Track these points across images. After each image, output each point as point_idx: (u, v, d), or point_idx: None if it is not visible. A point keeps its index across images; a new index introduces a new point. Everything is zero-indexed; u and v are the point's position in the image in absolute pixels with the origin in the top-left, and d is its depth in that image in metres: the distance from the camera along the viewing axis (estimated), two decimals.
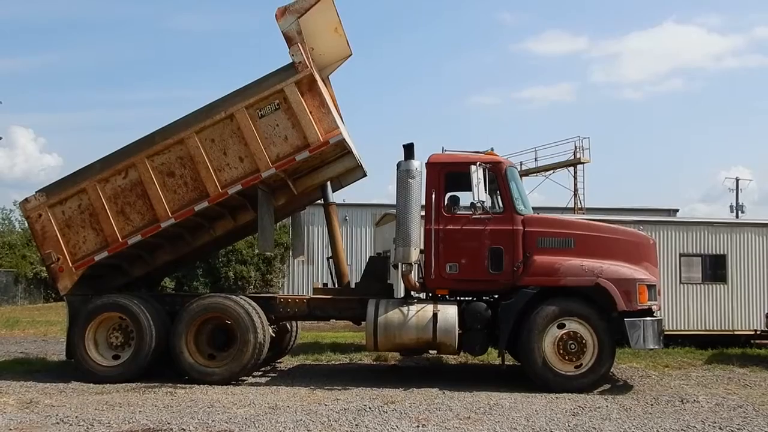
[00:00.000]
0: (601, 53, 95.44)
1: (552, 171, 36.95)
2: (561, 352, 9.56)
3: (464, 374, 11.56)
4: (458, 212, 10.11)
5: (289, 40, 9.97)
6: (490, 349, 10.36)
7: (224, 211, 10.59)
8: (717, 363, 12.42)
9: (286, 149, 9.93)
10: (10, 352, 13.96)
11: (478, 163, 9.73)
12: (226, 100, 10.12)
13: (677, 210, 34.00)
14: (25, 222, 40.43)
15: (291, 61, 9.91)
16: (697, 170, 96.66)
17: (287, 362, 12.47)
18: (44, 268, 32.02)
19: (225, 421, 7.49)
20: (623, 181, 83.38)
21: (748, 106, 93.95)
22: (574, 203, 35.80)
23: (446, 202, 10.27)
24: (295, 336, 12.53)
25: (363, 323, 10.26)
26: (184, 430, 7.10)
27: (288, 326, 12.07)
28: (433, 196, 10.05)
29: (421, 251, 10.06)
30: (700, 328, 15.80)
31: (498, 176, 10.09)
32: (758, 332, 15.78)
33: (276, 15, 10.04)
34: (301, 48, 9.86)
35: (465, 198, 10.24)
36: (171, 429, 7.13)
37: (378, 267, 11.18)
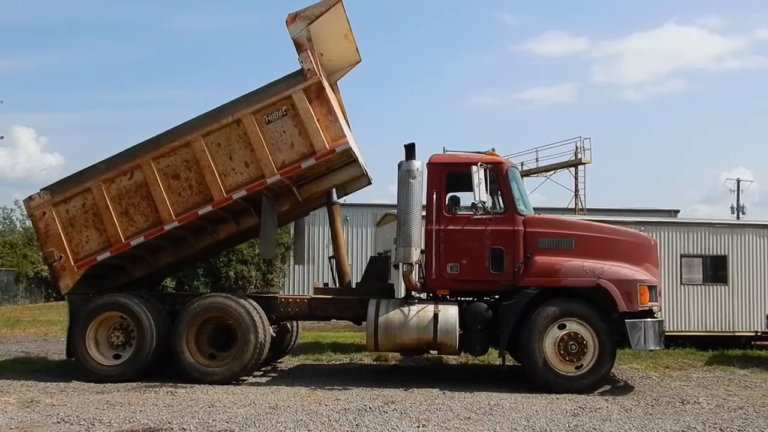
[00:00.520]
0: (602, 54, 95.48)
1: (553, 171, 36.96)
2: (562, 352, 9.56)
3: (465, 374, 11.57)
4: (459, 212, 10.12)
5: (299, 47, 9.94)
6: (490, 349, 10.36)
7: (228, 215, 10.56)
8: (717, 364, 12.41)
9: (292, 156, 9.91)
10: (11, 351, 13.96)
11: (479, 164, 9.73)
12: (234, 104, 10.09)
13: (678, 211, 34.06)
14: (27, 221, 40.44)
15: (300, 67, 9.85)
16: (698, 171, 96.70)
17: (288, 362, 12.47)
18: (45, 268, 32.08)
19: (225, 420, 7.49)
20: (624, 182, 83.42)
21: (749, 107, 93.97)
22: (575, 204, 35.81)
23: (447, 202, 10.28)
24: (296, 336, 12.54)
25: (363, 323, 10.26)
26: (185, 429, 7.11)
27: (289, 326, 12.06)
28: (434, 196, 10.05)
29: (422, 251, 10.06)
30: (700, 329, 15.79)
31: (499, 177, 10.09)
32: (759, 333, 15.76)
33: (286, 21, 10.01)
34: (310, 55, 9.83)
35: (466, 198, 10.25)
36: (172, 428, 7.14)
37: (379, 267, 11.18)
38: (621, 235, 10.34)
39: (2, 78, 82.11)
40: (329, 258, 11.61)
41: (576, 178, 36.16)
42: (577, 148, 35.53)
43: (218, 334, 10.24)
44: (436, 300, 10.09)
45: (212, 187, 10.02)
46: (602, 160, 79.18)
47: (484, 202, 9.75)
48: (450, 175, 10.20)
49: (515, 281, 9.82)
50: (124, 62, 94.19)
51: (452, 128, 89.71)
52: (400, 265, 9.95)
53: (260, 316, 10.04)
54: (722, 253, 16.02)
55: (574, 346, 9.55)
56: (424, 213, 10.16)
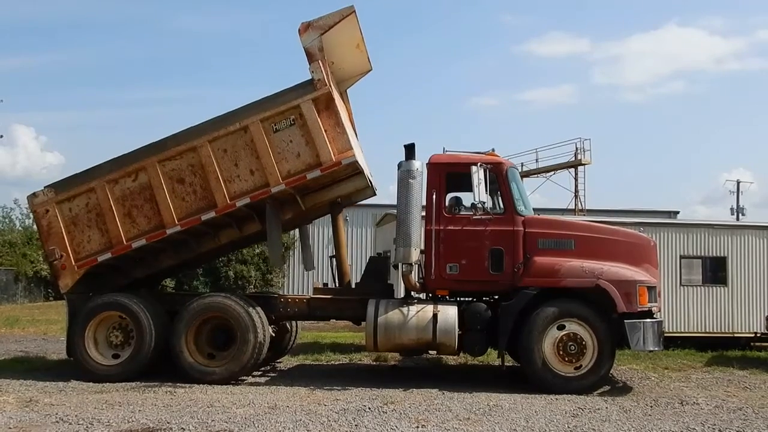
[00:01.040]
0: (603, 55, 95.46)
1: (553, 172, 36.98)
2: (561, 353, 9.56)
3: (464, 375, 11.56)
4: (459, 213, 10.11)
5: (310, 57, 9.92)
6: (489, 349, 10.36)
7: (231, 221, 10.53)
8: (717, 365, 12.41)
9: (298, 166, 9.89)
10: (10, 350, 13.96)
11: (479, 164, 9.73)
12: (242, 111, 10.07)
13: (678, 212, 34.12)
14: (26, 220, 40.24)
15: (310, 77, 9.82)
16: (698, 172, 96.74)
17: (287, 362, 12.47)
18: (45, 267, 32.04)
19: (224, 420, 7.49)
20: (624, 183, 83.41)
21: (749, 109, 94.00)
22: (575, 204, 35.84)
23: (449, 202, 10.28)
24: (295, 336, 12.54)
25: (363, 323, 10.26)
26: (184, 429, 7.11)
27: (288, 326, 12.06)
28: (434, 196, 10.05)
29: (422, 252, 10.06)
30: (700, 330, 15.79)
31: (499, 177, 10.09)
32: (758, 335, 15.76)
33: (299, 30, 10.01)
34: (321, 65, 9.80)
35: (466, 199, 10.25)
36: (170, 428, 7.14)
37: (378, 267, 11.18)
38: (621, 235, 10.34)
39: (2, 77, 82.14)
40: (330, 257, 11.60)
41: (576, 179, 36.23)
42: (577, 148, 35.60)
43: (217, 334, 10.23)
44: (436, 300, 10.08)
45: (216, 193, 10.00)
46: (602, 161, 79.26)
47: (484, 203, 9.74)
48: (450, 175, 10.20)
49: (515, 282, 9.81)
50: (125, 61, 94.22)
51: (453, 129, 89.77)
52: (400, 265, 9.95)
53: (259, 316, 10.03)
54: (722, 255, 16.02)
55: (573, 347, 9.55)
56: (423, 213, 10.15)
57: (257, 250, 26.52)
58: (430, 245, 10.00)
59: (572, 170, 36.27)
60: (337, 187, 10.70)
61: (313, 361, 12.69)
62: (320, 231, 26.94)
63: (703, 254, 16.03)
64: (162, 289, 14.49)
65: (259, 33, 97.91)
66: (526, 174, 34.80)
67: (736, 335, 15.79)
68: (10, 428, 7.14)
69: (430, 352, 10.59)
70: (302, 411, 8.01)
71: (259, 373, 11.13)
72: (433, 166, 10.22)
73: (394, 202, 10.28)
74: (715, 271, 16.07)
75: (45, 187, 10.63)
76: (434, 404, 8.52)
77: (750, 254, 16.06)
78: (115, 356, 10.27)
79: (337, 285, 11.29)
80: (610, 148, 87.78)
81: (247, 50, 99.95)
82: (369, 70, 11.48)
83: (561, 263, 9.76)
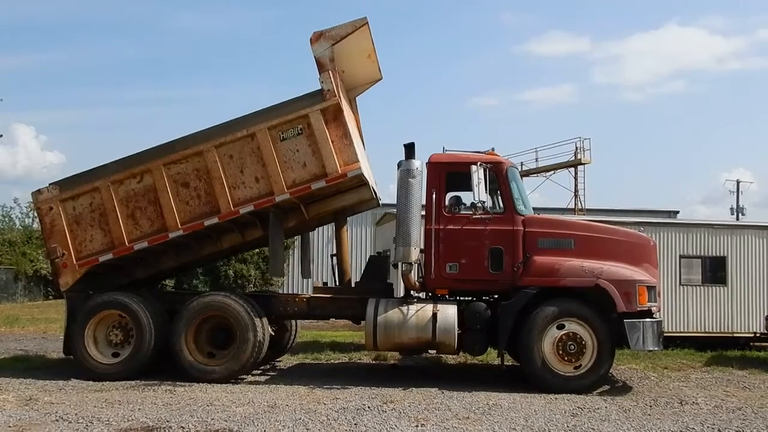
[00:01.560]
0: (604, 55, 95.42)
1: (553, 172, 36.95)
2: (560, 352, 9.56)
3: (463, 374, 11.56)
4: (459, 212, 10.11)
5: (321, 66, 9.92)
6: (489, 349, 10.36)
7: (233, 227, 10.52)
8: (716, 365, 12.42)
9: (304, 176, 9.87)
10: (9, 349, 13.97)
11: (478, 163, 9.73)
12: (250, 118, 10.05)
13: (677, 212, 34.07)
14: (26, 219, 40.12)
15: (320, 87, 9.80)
16: (698, 172, 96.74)
17: (286, 361, 12.47)
18: (44, 266, 32.02)
19: (224, 419, 7.49)
20: (624, 183, 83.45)
21: (750, 109, 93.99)
22: (575, 204, 35.82)
23: (449, 202, 10.28)
24: (295, 335, 12.54)
25: (362, 322, 10.26)
26: (183, 428, 7.11)
27: (288, 325, 12.07)
28: (434, 195, 10.05)
29: (421, 251, 10.06)
30: (699, 330, 15.81)
31: (499, 176, 10.09)
32: (758, 335, 15.77)
33: (311, 39, 10.00)
34: (331, 76, 9.78)
35: (465, 198, 10.24)
36: (170, 427, 7.14)
37: (378, 266, 11.18)
38: (620, 235, 10.34)
39: (2, 76, 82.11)
40: (331, 256, 11.59)
41: (576, 179, 36.19)
42: (576, 148, 35.54)
43: (217, 332, 10.24)
44: (435, 299, 10.08)
45: (220, 199, 9.99)
46: (602, 161, 79.27)
47: (484, 202, 9.74)
48: (449, 174, 10.19)
49: (514, 281, 9.82)
50: (125, 60, 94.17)
51: (452, 128, 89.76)
52: (400, 264, 9.95)
53: (259, 315, 10.03)
54: (721, 254, 16.04)
55: (572, 346, 9.55)
56: (423, 212, 10.16)
57: (257, 249, 26.50)
58: (429, 244, 10.00)
59: (572, 170, 36.24)
60: (342, 198, 10.66)
61: (312, 360, 12.69)
62: (321, 230, 26.92)
63: (702, 254, 16.05)
64: (162, 287, 14.51)
65: (259, 32, 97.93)
66: (525, 173, 34.77)
67: (735, 335, 15.81)
68: (9, 427, 7.14)
69: (430, 351, 10.59)
70: (302, 410, 8.01)
71: (259, 371, 11.14)
72: (433, 166, 10.22)
73: (394, 202, 10.29)
74: (715, 271, 16.09)
75: (50, 184, 10.64)
76: (433, 403, 8.52)
77: (750, 254, 16.08)
78: (115, 355, 10.27)
79: (337, 284, 11.30)
80: (610, 148, 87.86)
81: (247, 49, 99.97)
82: (379, 79, 11.47)
83: (561, 263, 9.76)
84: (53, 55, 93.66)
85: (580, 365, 9.58)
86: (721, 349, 14.33)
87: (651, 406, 8.69)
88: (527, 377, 9.76)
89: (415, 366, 12.21)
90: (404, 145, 10.08)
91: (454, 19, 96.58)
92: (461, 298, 10.24)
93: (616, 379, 10.78)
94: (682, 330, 15.67)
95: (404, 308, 9.86)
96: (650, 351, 11.08)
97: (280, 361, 12.39)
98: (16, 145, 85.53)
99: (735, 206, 52.94)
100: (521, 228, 9.92)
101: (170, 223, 10.10)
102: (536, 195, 41.06)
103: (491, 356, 11.63)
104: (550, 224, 10.27)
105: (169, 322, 10.15)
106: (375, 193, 11.18)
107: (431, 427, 7.30)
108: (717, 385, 10.54)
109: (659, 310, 10.22)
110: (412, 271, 10.00)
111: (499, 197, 10.21)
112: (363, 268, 11.40)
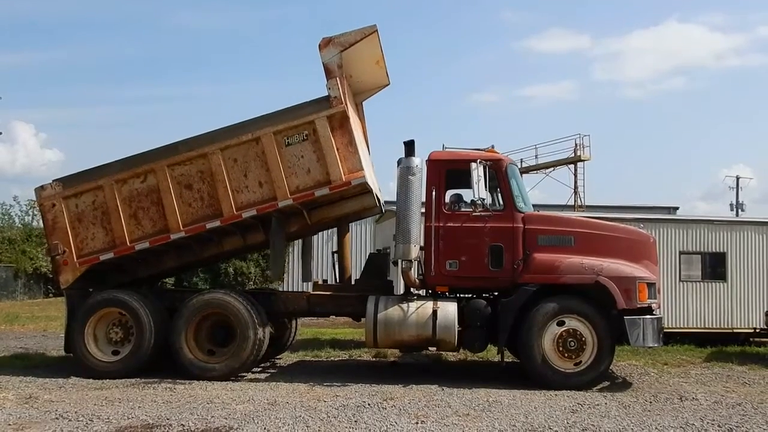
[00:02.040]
0: (604, 51, 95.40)
1: (552, 168, 36.95)
2: (560, 349, 9.56)
3: (463, 371, 11.57)
4: (458, 209, 10.10)
5: (329, 73, 9.89)
6: (489, 346, 10.36)
7: (235, 230, 10.51)
8: (716, 361, 12.43)
9: (307, 182, 9.85)
10: (9, 347, 13.97)
11: (478, 161, 9.72)
12: (255, 122, 10.03)
13: (677, 208, 34.12)
14: (25, 217, 40.06)
15: (327, 93, 9.78)
16: (697, 168, 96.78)
17: (287, 358, 12.47)
18: (44, 264, 31.97)
19: (224, 416, 7.50)
20: (624, 179, 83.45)
21: (749, 105, 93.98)
22: (575, 201, 35.81)
23: (449, 199, 10.27)
24: (295, 332, 12.55)
25: (363, 320, 10.26)
26: (184, 425, 7.11)
27: (288, 322, 12.06)
28: (434, 193, 10.04)
29: (421, 248, 10.05)
30: (699, 326, 15.81)
31: (498, 174, 10.08)
32: (757, 330, 15.78)
33: (319, 45, 9.97)
34: (338, 83, 9.75)
35: (465, 195, 10.24)
36: (170, 425, 7.14)
37: (378, 264, 11.18)
38: (620, 232, 10.33)
39: (1, 74, 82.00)
40: (332, 252, 11.58)
41: (575, 175, 36.20)
42: (576, 145, 35.54)
43: (217, 330, 10.24)
44: (435, 297, 10.08)
45: (223, 202, 9.97)
46: (602, 158, 79.28)
47: (484, 199, 9.74)
48: (449, 172, 10.18)
49: (514, 278, 9.81)
50: (124, 58, 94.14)
51: (452, 125, 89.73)
52: (399, 261, 9.94)
53: (259, 313, 10.03)
54: (721, 250, 16.05)
55: (572, 343, 9.56)
56: (423, 210, 10.15)
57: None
58: (429, 242, 9.99)
59: (572, 166, 36.23)
60: (345, 204, 10.63)
61: (312, 358, 12.69)
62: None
63: (702, 250, 16.05)
64: (162, 285, 14.51)
65: (258, 30, 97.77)
66: (525, 170, 34.75)
67: (735, 331, 15.83)
68: (9, 425, 7.14)
69: (430, 348, 10.58)
70: (302, 407, 8.02)
71: (259, 369, 11.14)
72: (433, 163, 10.21)
73: (394, 199, 10.27)
74: (715, 267, 16.10)
75: (53, 180, 10.63)
76: (434, 400, 8.53)
77: (749, 250, 16.09)
78: (115, 353, 10.27)
79: (337, 281, 11.30)
80: (610, 145, 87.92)
81: (246, 48, 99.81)
82: (387, 85, 11.45)
83: (561, 260, 9.75)
84: (53, 53, 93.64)
85: (580, 362, 9.58)
86: (720, 345, 14.34)
87: (651, 402, 8.70)
88: (527, 374, 9.76)
89: (415, 363, 12.22)
90: (404, 143, 10.07)
91: (454, 17, 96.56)
92: (461, 296, 10.24)
93: (616, 376, 10.78)
94: (681, 326, 15.67)
95: (404, 305, 9.86)
96: (650, 347, 11.01)
97: (280, 358, 12.39)
98: (15, 143, 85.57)
99: (735, 202, 53.11)
100: (521, 225, 9.91)
101: (172, 225, 10.08)
102: (536, 192, 41.14)
103: (491, 353, 11.63)
104: (550, 221, 10.26)
105: (169, 320, 10.15)
106: (378, 200, 11.17)
107: (431, 424, 7.31)
108: (717, 380, 10.54)
109: (659, 307, 10.22)
110: (412, 269, 9.99)
111: (499, 194, 10.21)
112: (363, 265, 11.39)
